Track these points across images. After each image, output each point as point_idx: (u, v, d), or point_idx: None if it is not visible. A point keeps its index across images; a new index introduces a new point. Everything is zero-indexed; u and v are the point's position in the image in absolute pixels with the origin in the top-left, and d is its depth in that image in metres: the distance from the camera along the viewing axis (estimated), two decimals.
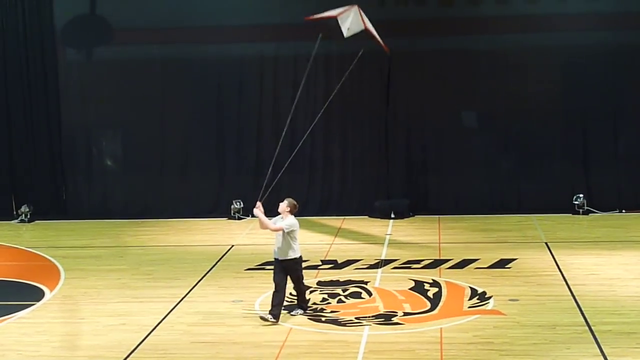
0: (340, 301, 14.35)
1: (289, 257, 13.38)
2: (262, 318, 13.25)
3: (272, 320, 13.15)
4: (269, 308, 13.28)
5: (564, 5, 20.97)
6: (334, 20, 15.51)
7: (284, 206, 13.69)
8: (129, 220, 21.53)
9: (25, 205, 21.86)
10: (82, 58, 22.42)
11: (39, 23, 21.86)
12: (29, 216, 21.79)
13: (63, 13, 21.97)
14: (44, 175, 22.25)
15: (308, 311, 13.74)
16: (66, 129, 22.21)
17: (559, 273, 15.77)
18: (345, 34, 15.83)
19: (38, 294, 15.34)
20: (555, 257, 16.92)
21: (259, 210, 13.70)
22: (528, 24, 21.04)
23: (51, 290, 15.53)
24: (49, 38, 21.93)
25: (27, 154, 22.19)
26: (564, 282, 15.14)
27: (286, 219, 13.53)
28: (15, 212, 22.08)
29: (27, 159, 22.20)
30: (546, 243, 18.15)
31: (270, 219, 13.59)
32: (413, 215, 21.17)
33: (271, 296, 13.34)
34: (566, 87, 21.49)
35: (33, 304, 14.70)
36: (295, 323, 13.23)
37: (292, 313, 13.51)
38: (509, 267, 16.30)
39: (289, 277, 13.45)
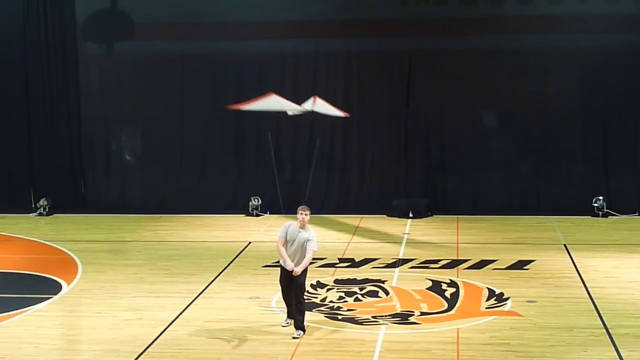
0: (357, 300, 14.33)
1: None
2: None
3: (288, 323, 12.86)
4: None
5: (586, 7, 20.84)
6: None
7: (308, 218, 12.52)
8: (147, 215, 21.57)
9: (44, 198, 21.95)
10: (102, 53, 22.50)
11: (61, 17, 21.95)
12: (47, 209, 21.88)
13: (84, 7, 22.05)
14: (63, 169, 22.33)
15: (324, 309, 13.72)
16: (86, 123, 22.28)
17: (577, 275, 15.69)
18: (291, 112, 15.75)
19: (55, 287, 15.39)
20: (574, 259, 16.84)
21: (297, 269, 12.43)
22: (550, 24, 20.93)
23: (68, 284, 15.58)
24: (70, 32, 22.01)
25: (46, 147, 22.27)
26: (582, 285, 15.06)
27: (312, 237, 12.42)
28: (34, 206, 22.17)
29: (47, 152, 22.29)
30: (565, 245, 18.06)
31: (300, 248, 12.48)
32: (431, 215, 21.11)
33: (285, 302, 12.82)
34: (587, 89, 21.37)
35: (50, 297, 14.75)
36: (312, 321, 13.20)
37: (284, 324, 12.94)
38: (527, 269, 16.23)
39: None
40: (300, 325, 12.56)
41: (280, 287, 12.80)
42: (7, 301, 14.69)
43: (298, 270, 12.31)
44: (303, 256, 12.40)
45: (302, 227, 12.51)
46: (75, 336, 12.85)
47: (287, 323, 12.90)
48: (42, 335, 12.88)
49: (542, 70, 21.11)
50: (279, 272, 12.78)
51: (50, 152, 22.28)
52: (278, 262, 16.60)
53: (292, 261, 12.43)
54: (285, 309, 12.99)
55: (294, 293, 12.56)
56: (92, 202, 22.38)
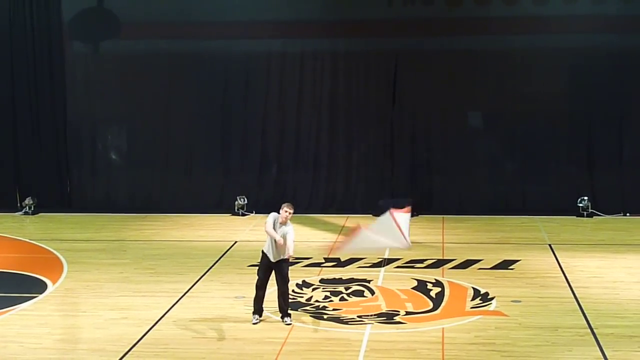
0: (342, 299, 14.35)
1: (282, 258, 13.01)
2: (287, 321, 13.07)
3: (258, 319, 13.08)
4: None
5: (571, 7, 20.93)
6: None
7: (290, 216, 12.96)
8: (132, 214, 21.53)
9: (30, 197, 21.88)
10: (88, 51, 22.44)
11: (47, 15, 21.89)
12: (33, 208, 21.81)
13: (71, 6, 22.00)
14: (49, 168, 22.27)
15: (310, 308, 13.74)
16: (72, 122, 22.23)
17: (562, 275, 15.75)
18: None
19: (40, 287, 15.35)
20: (559, 259, 16.90)
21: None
22: (535, 25, 21.00)
23: (54, 283, 15.54)
24: (57, 31, 21.95)
25: (32, 146, 22.20)
26: (567, 285, 15.12)
27: (291, 230, 12.86)
28: (19, 204, 22.10)
29: (32, 151, 22.22)
30: (550, 245, 18.12)
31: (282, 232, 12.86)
32: (417, 215, 21.05)
33: (257, 296, 13.09)
34: (572, 89, 21.47)
35: (35, 296, 14.71)
36: (297, 320, 13.22)
37: (254, 322, 13.06)
38: (512, 269, 16.28)
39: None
40: (288, 313, 13.05)
41: (256, 279, 13.08)
42: None
43: (291, 252, 12.74)
44: (284, 248, 12.76)
45: (284, 222, 12.87)
46: (60, 335, 12.81)
47: (258, 320, 13.08)
48: (27, 335, 12.84)
49: (528, 70, 21.18)
50: (260, 262, 13.12)
51: (36, 151, 22.20)
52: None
53: (272, 253, 12.89)
54: (252, 308, 13.19)
55: (279, 284, 12.97)
56: (77, 201, 22.33)
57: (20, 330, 13.11)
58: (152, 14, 21.85)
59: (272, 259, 12.94)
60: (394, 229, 12.66)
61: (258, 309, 13.15)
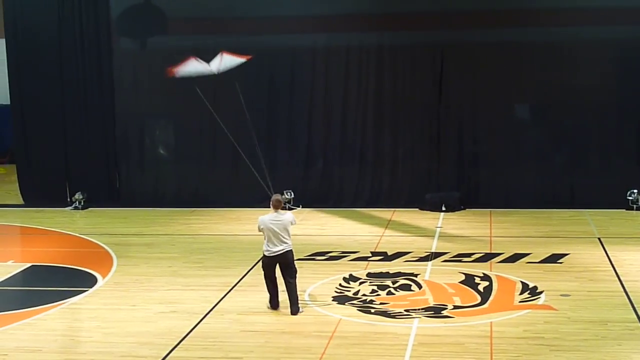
0: (389, 293, 14.34)
1: (284, 249, 13.44)
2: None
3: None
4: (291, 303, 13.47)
5: None
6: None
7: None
8: (180, 208, 21.69)
9: (79, 192, 22.16)
10: (136, 47, 22.62)
11: (95, 12, 22.11)
12: (82, 203, 22.08)
13: (119, 2, 22.19)
14: (98, 163, 22.53)
15: (357, 302, 13.76)
16: (120, 117, 22.44)
17: (612, 269, 15.59)
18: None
19: (91, 281, 15.55)
20: (608, 252, 16.73)
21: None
22: (582, 16, 20.77)
23: (103, 277, 15.73)
24: (105, 27, 22.16)
25: (81, 141, 22.46)
26: (617, 278, 14.97)
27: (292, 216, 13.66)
28: (69, 199, 22.39)
29: (82, 146, 22.48)
30: (599, 238, 17.94)
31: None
32: (464, 209, 21.04)
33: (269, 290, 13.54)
34: (621, 81, 21.18)
35: (85, 290, 14.91)
36: (345, 314, 13.25)
37: (296, 312, 13.40)
38: (560, 262, 16.15)
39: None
40: (298, 301, 13.40)
41: (264, 275, 13.47)
42: (43, 294, 14.88)
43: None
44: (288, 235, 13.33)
45: (279, 210, 13.47)
46: (110, 329, 12.96)
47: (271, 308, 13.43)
48: (77, 328, 13.04)
49: (576, 62, 20.95)
50: (262, 266, 13.50)
51: (85, 147, 22.46)
52: (311, 255, 16.84)
53: (272, 246, 13.34)
54: (268, 298, 13.55)
55: (288, 275, 13.36)
56: (126, 196, 22.56)
57: (70, 324, 13.32)
58: (198, 10, 21.97)
59: (274, 252, 13.29)
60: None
61: (273, 301, 13.47)
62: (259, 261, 16.45)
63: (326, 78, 21.75)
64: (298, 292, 13.48)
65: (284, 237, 13.30)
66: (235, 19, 21.72)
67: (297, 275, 13.49)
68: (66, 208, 22.15)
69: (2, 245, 18.76)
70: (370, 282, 14.93)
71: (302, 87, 21.88)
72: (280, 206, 13.51)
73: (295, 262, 13.52)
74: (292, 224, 13.46)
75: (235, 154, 22.20)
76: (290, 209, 21.34)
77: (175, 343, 12.23)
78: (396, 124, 21.68)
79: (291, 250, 13.42)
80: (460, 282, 14.88)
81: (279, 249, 13.31)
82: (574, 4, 20.77)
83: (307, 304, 13.84)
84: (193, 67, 15.40)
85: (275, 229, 13.29)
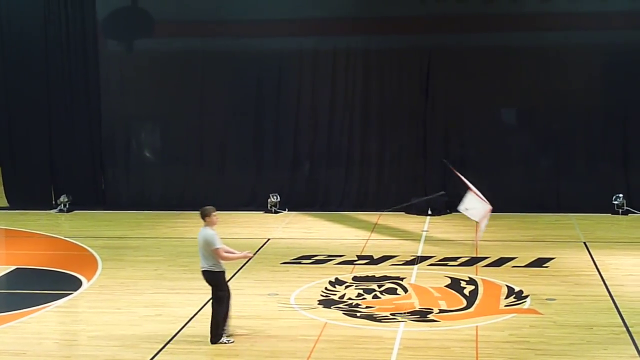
0: (375, 297, 14.33)
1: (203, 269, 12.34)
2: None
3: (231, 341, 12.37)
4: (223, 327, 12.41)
5: (606, 4, 20.74)
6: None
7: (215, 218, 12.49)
8: (166, 211, 21.64)
9: (65, 195, 22.09)
10: (122, 50, 22.57)
11: (82, 14, 22.05)
12: (67, 206, 22.01)
13: (105, 5, 22.14)
14: (83, 166, 22.45)
15: (343, 306, 13.74)
16: (106, 120, 22.38)
17: (597, 273, 15.63)
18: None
19: (76, 284, 15.49)
20: (594, 256, 16.77)
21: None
22: (569, 21, 20.85)
23: (88, 280, 15.67)
24: (91, 29, 22.10)
25: (67, 144, 22.39)
26: (602, 283, 15.00)
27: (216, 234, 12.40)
28: (54, 202, 22.31)
29: (67, 149, 22.40)
30: (584, 243, 17.99)
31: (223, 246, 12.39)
32: (450, 212, 21.05)
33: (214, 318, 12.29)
34: (607, 86, 21.26)
35: (70, 293, 14.84)
36: (331, 318, 13.23)
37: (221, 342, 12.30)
38: (546, 266, 16.18)
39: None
40: (214, 331, 12.30)
41: (227, 295, 12.30)
42: (27, 297, 14.82)
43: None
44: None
45: (214, 226, 12.47)
46: (95, 332, 12.90)
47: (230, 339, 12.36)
48: (62, 331, 12.98)
49: (562, 67, 21.01)
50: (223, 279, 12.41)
51: (71, 149, 22.39)
52: (297, 259, 16.82)
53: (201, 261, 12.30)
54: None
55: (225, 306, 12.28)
56: (112, 199, 22.49)
57: (55, 327, 13.25)
58: (186, 13, 21.94)
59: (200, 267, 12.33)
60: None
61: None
62: (244, 265, 16.48)
63: (313, 81, 21.76)
64: (223, 319, 12.23)
65: (202, 254, 12.28)
66: (221, 22, 21.71)
67: (228, 300, 12.20)
68: (51, 211, 22.06)
69: None
70: (356, 286, 14.91)
71: (288, 90, 21.88)
72: (204, 218, 12.55)
73: (217, 287, 12.17)
74: (209, 245, 12.14)
75: (222, 156, 22.25)
76: (276, 212, 21.34)
77: (161, 347, 12.19)
78: (383, 127, 21.69)
79: (210, 271, 12.17)
80: (446, 286, 14.88)
81: (200, 265, 12.37)
82: (560, 8, 20.83)
83: (292, 307, 13.80)
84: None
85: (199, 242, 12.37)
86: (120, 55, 22.49)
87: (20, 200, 22.49)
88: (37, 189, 22.57)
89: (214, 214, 12.54)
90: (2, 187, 23.02)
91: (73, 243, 18.79)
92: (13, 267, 16.76)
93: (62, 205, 22.02)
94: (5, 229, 20.66)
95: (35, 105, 22.30)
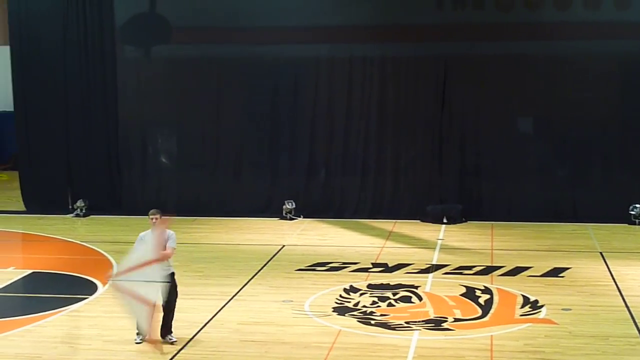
0: (390, 305, 14.31)
1: (170, 273, 12.59)
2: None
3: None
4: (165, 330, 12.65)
5: (623, 13, 20.65)
6: None
7: (165, 222, 12.55)
8: (181, 217, 21.61)
9: (81, 199, 22.16)
10: (140, 56, 22.64)
11: (100, 20, 22.13)
12: (84, 210, 22.08)
13: (123, 11, 22.21)
14: (100, 171, 22.53)
15: (357, 314, 13.73)
16: (123, 125, 22.45)
17: (613, 283, 15.56)
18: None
19: (91, 288, 15.54)
20: (610, 267, 16.70)
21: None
22: (586, 30, 20.75)
23: (104, 285, 15.69)
24: (109, 35, 22.17)
25: (84, 149, 22.46)
26: (618, 293, 14.93)
27: (171, 237, 12.58)
28: (71, 207, 22.38)
29: (84, 154, 22.48)
30: (601, 253, 17.91)
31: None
32: (465, 221, 21.01)
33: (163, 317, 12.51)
34: (624, 95, 21.17)
35: (86, 298, 14.90)
36: (345, 325, 13.22)
37: (174, 340, 12.56)
38: (562, 276, 16.12)
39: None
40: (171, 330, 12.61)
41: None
42: (43, 301, 14.88)
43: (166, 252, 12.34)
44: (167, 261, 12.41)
45: (162, 231, 12.50)
46: (110, 336, 12.94)
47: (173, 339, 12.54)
48: (77, 336, 13.00)
49: (579, 76, 20.94)
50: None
51: (88, 154, 22.47)
52: (312, 266, 16.83)
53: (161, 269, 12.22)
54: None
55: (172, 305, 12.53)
56: (128, 204, 22.54)
57: (70, 331, 13.28)
58: (203, 19, 22.00)
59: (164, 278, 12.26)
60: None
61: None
62: (259, 271, 16.51)
63: (329, 89, 21.76)
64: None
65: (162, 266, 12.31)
66: (239, 29, 21.75)
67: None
68: (68, 215, 22.14)
69: (3, 252, 18.76)
70: (370, 294, 14.90)
71: (305, 97, 21.89)
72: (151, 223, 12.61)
73: (169, 297, 12.42)
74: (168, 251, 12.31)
75: (237, 162, 22.30)
76: (291, 219, 21.34)
77: (175, 352, 12.21)
78: (398, 135, 21.66)
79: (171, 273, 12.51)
80: (461, 295, 14.85)
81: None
82: (577, 17, 20.76)
83: (307, 314, 13.81)
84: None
85: None
86: (138, 61, 22.56)
87: (37, 205, 22.58)
88: (54, 194, 22.66)
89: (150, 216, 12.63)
90: (20, 192, 23.09)
91: (89, 247, 18.85)
92: (29, 271, 16.83)
93: (79, 210, 22.10)
94: (22, 233, 20.75)
95: (53, 110, 22.40)
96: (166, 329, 12.62)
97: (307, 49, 21.75)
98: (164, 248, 12.40)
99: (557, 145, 21.34)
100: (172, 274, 12.71)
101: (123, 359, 12.09)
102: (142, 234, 12.79)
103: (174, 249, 12.72)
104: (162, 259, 12.22)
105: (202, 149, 22.35)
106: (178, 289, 12.81)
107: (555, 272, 16.33)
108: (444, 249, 18.52)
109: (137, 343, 12.55)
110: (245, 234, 20.10)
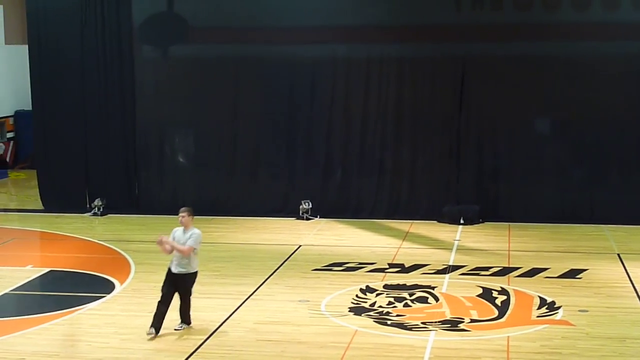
0: (406, 305, 14.31)
1: (185, 272, 13.04)
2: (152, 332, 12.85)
3: (152, 333, 12.78)
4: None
5: None
6: None
7: (188, 218, 13.27)
8: (198, 216, 21.52)
9: (99, 199, 22.26)
10: (158, 55, 22.71)
11: (118, 19, 22.22)
12: (101, 210, 22.17)
13: (141, 10, 22.28)
14: (118, 170, 22.62)
15: (373, 314, 13.74)
16: (140, 125, 22.52)
17: (631, 285, 15.50)
18: None
19: (109, 287, 15.61)
20: (627, 268, 16.63)
21: (164, 239, 13.18)
22: (605, 31, 20.67)
23: (121, 283, 15.78)
24: (127, 35, 22.26)
25: (101, 148, 22.55)
26: (635, 295, 14.88)
27: (194, 235, 13.13)
28: (88, 206, 22.48)
29: (102, 153, 22.57)
30: (618, 254, 17.84)
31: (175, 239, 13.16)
32: (482, 222, 20.97)
33: (158, 311, 12.91)
34: None
35: (103, 296, 14.97)
36: (361, 325, 13.23)
37: (176, 328, 13.04)
38: (579, 278, 16.07)
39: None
40: (188, 320, 13.14)
41: (161, 293, 12.99)
42: (61, 299, 14.96)
43: (182, 248, 12.94)
44: (188, 258, 13.03)
45: (186, 228, 13.24)
46: (127, 335, 13.00)
47: (153, 334, 12.78)
48: (94, 334, 13.07)
49: (598, 77, 20.84)
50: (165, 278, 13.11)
51: (106, 153, 22.56)
52: (328, 265, 16.85)
53: (175, 261, 13.09)
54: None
55: (183, 298, 13.07)
56: (145, 203, 22.62)
57: (88, 330, 13.36)
58: (220, 19, 22.06)
59: (174, 270, 13.01)
60: None
61: (157, 326, 12.84)
62: (276, 270, 16.54)
63: (346, 89, 21.76)
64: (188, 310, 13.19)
65: (177, 258, 13.05)
66: (256, 29, 21.78)
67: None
68: (85, 214, 22.24)
69: (21, 250, 18.88)
70: (387, 294, 14.90)
71: (322, 97, 21.90)
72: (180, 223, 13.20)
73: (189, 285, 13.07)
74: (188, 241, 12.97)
75: (254, 162, 22.33)
76: (307, 218, 21.36)
77: (192, 351, 12.26)
78: (416, 135, 21.64)
79: (186, 273, 13.04)
80: (477, 296, 14.83)
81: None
82: (596, 18, 20.67)
83: (323, 314, 13.83)
84: None
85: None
86: (155, 60, 22.63)
87: (55, 204, 22.70)
88: (72, 193, 22.76)
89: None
90: (38, 190, 23.22)
91: (106, 246, 18.93)
92: (47, 270, 16.93)
93: (97, 208, 22.20)
94: (40, 231, 20.86)
95: (71, 109, 22.50)
96: (183, 316, 13.07)
97: (325, 49, 21.74)
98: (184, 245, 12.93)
99: (575, 146, 21.25)
100: (194, 274, 13.08)
101: (140, 357, 12.14)
102: (174, 229, 13.38)
103: (192, 248, 12.94)
104: (180, 252, 12.95)
105: (219, 148, 22.39)
106: (193, 289, 13.12)
107: (573, 274, 16.28)
108: (461, 249, 18.49)
109: (175, 329, 12.94)
110: (261, 233, 20.13)
